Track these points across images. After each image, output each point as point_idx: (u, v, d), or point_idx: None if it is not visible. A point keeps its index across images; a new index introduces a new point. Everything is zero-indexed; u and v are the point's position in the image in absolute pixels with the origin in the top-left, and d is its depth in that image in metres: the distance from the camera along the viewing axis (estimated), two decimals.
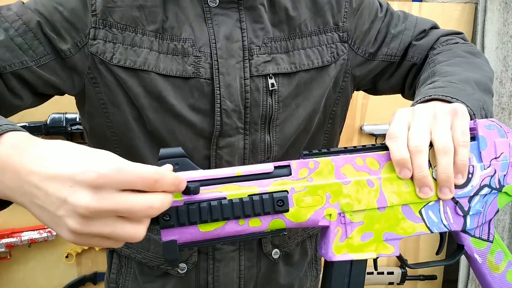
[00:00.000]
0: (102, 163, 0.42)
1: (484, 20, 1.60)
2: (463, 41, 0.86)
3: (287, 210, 0.51)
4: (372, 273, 1.63)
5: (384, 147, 0.55)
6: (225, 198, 0.50)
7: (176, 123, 0.74)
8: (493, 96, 0.74)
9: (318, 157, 0.53)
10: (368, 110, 1.56)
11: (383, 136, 1.55)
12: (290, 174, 0.52)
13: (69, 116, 1.39)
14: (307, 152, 0.53)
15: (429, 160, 0.53)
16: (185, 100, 0.74)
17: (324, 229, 0.54)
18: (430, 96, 0.63)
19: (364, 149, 0.55)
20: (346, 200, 0.53)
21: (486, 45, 1.59)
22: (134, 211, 0.43)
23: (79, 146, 0.45)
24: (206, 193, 0.50)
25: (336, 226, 0.53)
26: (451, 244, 0.62)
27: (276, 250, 0.86)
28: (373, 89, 0.91)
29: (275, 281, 0.88)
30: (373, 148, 0.55)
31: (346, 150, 0.54)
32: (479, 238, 0.57)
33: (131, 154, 0.75)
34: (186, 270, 0.82)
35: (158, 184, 0.44)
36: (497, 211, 0.58)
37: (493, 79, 0.76)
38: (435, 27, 0.88)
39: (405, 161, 0.52)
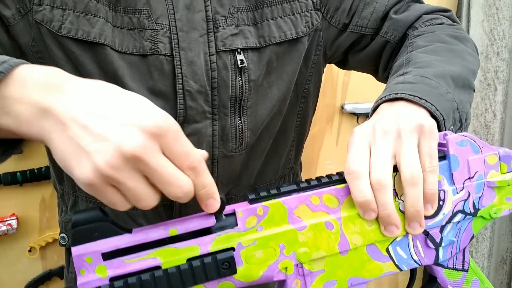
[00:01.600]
0: (161, 115, 0.39)
1: None
2: (450, 22, 0.77)
3: (235, 272, 0.43)
4: None
5: (343, 180, 0.47)
6: (159, 267, 0.41)
7: None
8: (474, 91, 0.66)
9: (268, 200, 0.45)
10: (349, 88, 1.48)
11: (366, 115, 1.47)
12: (236, 225, 0.44)
13: None
14: (254, 196, 0.45)
15: (394, 189, 0.46)
16: (143, 81, 0.64)
17: (281, 284, 0.47)
18: (396, 94, 0.54)
19: (320, 184, 0.47)
20: (303, 249, 0.45)
21: (472, 17, 1.52)
22: (166, 181, 0.39)
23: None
24: (136, 261, 0.41)
25: (294, 280, 0.46)
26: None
27: None
28: (343, 61, 0.82)
29: None
30: (330, 182, 0.47)
31: (299, 188, 0.46)
32: (453, 268, 0.51)
33: None
34: None
35: (193, 173, 0.40)
36: (472, 237, 0.51)
37: (477, 71, 0.68)
38: (418, 0, 0.79)
39: (369, 202, 0.45)
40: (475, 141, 0.49)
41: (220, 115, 0.68)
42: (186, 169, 0.40)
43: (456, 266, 0.51)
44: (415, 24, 0.75)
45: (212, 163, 0.70)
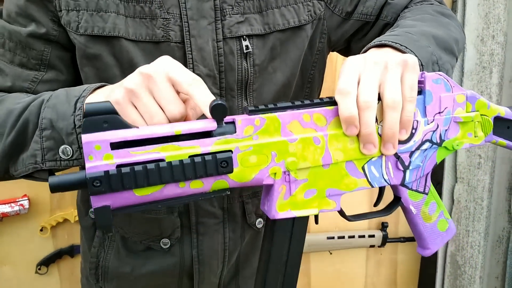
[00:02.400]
0: (174, 63, 0.53)
1: None
2: (439, 4, 0.82)
3: (231, 171, 0.48)
4: (353, 236, 1.63)
5: (333, 102, 0.52)
6: (163, 160, 0.45)
7: None
8: (457, 59, 0.71)
9: (265, 113, 0.50)
10: None
11: None
12: (235, 131, 0.49)
13: None
14: (253, 108, 0.50)
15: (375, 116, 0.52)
16: None
17: (268, 187, 0.53)
18: (381, 41, 0.61)
19: (312, 104, 0.52)
20: (292, 159, 0.51)
21: (468, 1, 1.55)
22: (166, 98, 0.51)
23: None
24: (142, 154, 0.45)
25: (281, 185, 0.52)
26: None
27: (259, 219, 0.84)
28: (347, 49, 0.87)
29: (258, 248, 0.86)
30: (321, 103, 0.52)
31: (293, 106, 0.51)
32: (416, 190, 0.58)
33: None
34: (169, 245, 0.79)
35: (190, 89, 0.50)
36: (435, 164, 0.58)
37: (460, 42, 0.73)
38: None
39: (353, 118, 0.50)
40: (448, 80, 0.56)
41: (228, 97, 0.73)
42: (181, 94, 0.51)
43: (419, 189, 0.58)
44: (408, 5, 0.81)
45: None
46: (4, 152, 0.59)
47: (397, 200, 0.59)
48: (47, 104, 0.58)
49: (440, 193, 1.70)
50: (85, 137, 0.44)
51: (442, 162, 1.69)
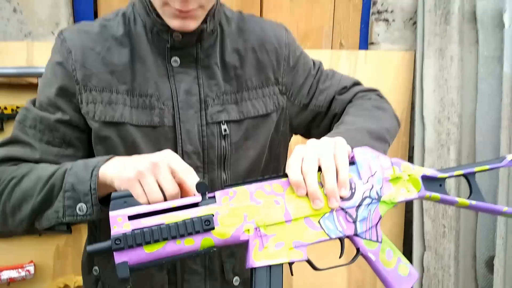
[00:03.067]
0: (170, 155, 0.69)
1: (422, 66, 1.78)
2: (377, 97, 1.01)
3: (213, 228, 0.62)
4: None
5: (285, 175, 0.68)
6: (163, 223, 0.62)
7: None
8: (389, 144, 0.88)
9: (236, 187, 0.66)
10: None
11: None
12: (215, 201, 0.64)
13: None
14: (228, 184, 0.66)
15: (320, 182, 0.66)
16: (154, 146, 0.86)
17: (245, 244, 0.66)
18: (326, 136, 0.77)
19: (271, 178, 0.68)
20: (260, 217, 0.65)
21: (425, 87, 1.76)
22: (165, 182, 0.66)
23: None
24: (149, 221, 0.62)
25: (254, 239, 0.64)
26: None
27: (236, 277, 0.96)
28: (307, 134, 1.05)
29: None
30: (277, 177, 0.68)
31: (257, 180, 0.67)
32: (370, 239, 0.69)
33: None
34: None
35: (181, 179, 0.67)
36: (381, 217, 0.70)
37: (391, 129, 0.91)
38: (357, 83, 1.03)
39: (300, 182, 0.65)
40: (372, 151, 0.71)
41: (209, 169, 0.89)
42: (177, 178, 0.66)
43: (372, 238, 0.69)
44: (352, 99, 0.99)
45: None
46: (33, 209, 0.75)
47: (358, 251, 0.69)
48: (69, 172, 0.73)
49: (411, 261, 1.81)
50: (111, 213, 0.61)
51: (411, 231, 1.81)
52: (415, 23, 1.86)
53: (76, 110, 0.85)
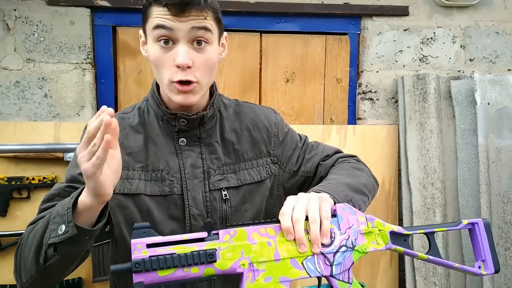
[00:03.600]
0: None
1: (406, 138, 1.97)
2: (355, 161, 1.19)
3: (215, 261, 0.77)
4: None
5: (278, 221, 0.82)
6: (175, 253, 0.75)
7: (159, 231, 1.00)
8: (368, 197, 1.04)
9: (236, 227, 0.80)
10: None
11: None
12: (218, 238, 0.79)
13: None
14: (229, 224, 0.81)
15: (306, 229, 0.80)
16: (165, 212, 1.01)
17: (240, 275, 0.79)
18: (312, 189, 0.93)
19: (265, 222, 0.82)
20: (254, 255, 0.78)
21: (409, 157, 1.94)
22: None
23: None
24: (164, 250, 0.75)
25: (248, 272, 0.78)
26: None
27: None
28: None
29: None
30: (271, 222, 0.82)
31: (254, 223, 0.81)
32: (342, 281, 0.82)
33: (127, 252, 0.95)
34: None
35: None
36: (353, 263, 0.83)
37: (369, 185, 1.07)
38: (338, 152, 1.21)
39: (290, 229, 0.79)
40: (351, 208, 0.85)
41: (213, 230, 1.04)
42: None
43: (344, 280, 0.82)
44: (335, 164, 1.18)
45: None
46: (38, 243, 0.84)
47: None
48: (58, 205, 0.84)
49: None
50: (133, 241, 0.73)
51: None
52: (396, 101, 2.09)
53: None
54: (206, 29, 0.93)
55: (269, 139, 1.13)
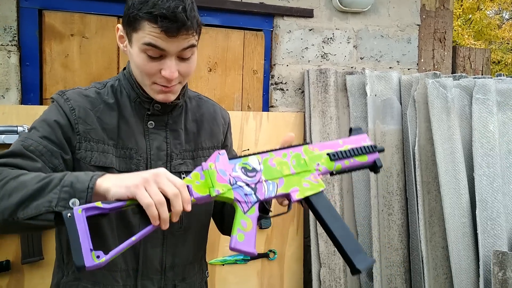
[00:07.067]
0: (164, 172, 0.87)
1: (310, 123, 2.31)
2: None
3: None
4: None
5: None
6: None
7: None
8: None
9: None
10: None
11: None
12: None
13: None
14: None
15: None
16: None
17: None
18: None
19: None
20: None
21: (313, 139, 2.28)
22: (163, 186, 0.83)
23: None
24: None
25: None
26: None
27: None
28: None
29: None
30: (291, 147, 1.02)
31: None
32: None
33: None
34: None
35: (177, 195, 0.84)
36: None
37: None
38: None
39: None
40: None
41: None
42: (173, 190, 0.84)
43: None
44: None
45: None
46: (23, 197, 0.83)
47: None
48: (70, 174, 0.86)
49: (310, 277, 2.24)
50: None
51: (309, 252, 2.25)
52: (303, 91, 2.41)
53: (74, 152, 1.07)
54: (193, 45, 1.02)
55: (223, 132, 1.29)
